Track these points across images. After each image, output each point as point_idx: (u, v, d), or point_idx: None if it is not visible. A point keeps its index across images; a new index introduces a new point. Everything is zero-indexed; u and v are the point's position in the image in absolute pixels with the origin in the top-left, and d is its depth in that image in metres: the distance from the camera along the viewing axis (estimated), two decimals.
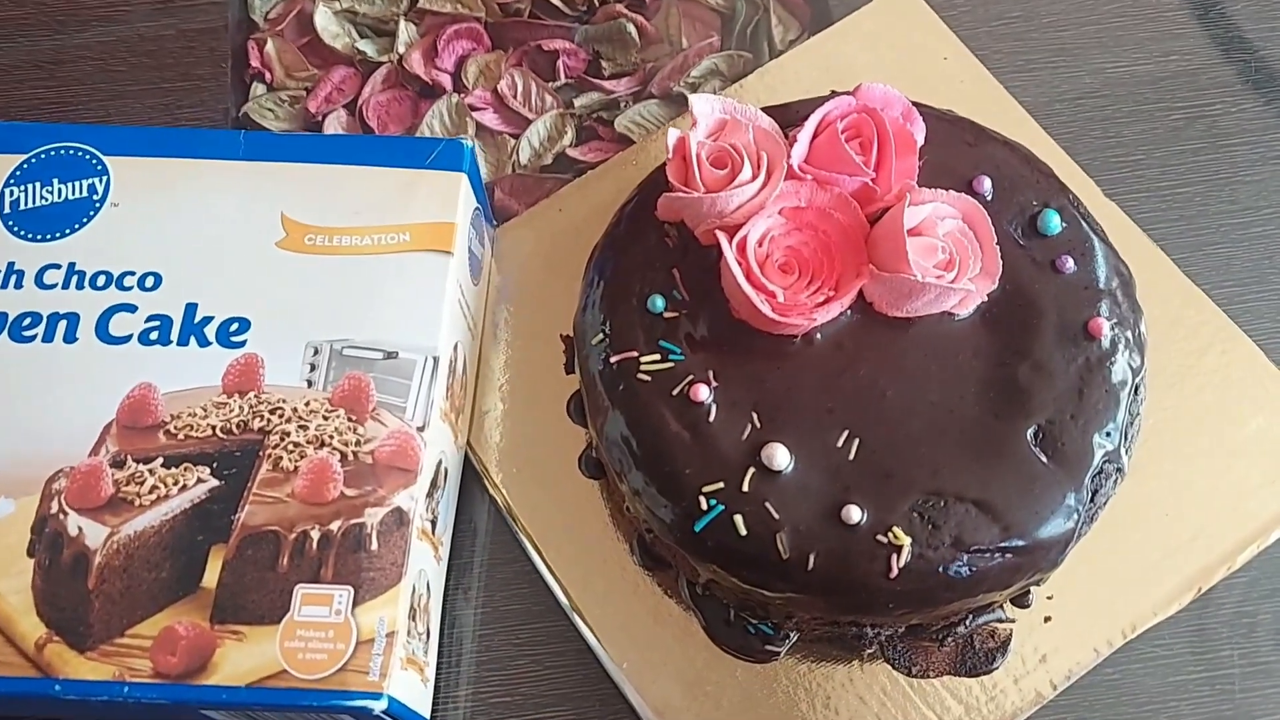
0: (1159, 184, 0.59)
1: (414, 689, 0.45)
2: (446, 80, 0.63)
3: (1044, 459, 0.44)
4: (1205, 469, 0.51)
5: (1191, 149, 0.60)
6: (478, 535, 0.53)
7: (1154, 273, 0.55)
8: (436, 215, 0.49)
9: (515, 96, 0.63)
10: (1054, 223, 0.48)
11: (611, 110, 0.63)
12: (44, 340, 0.46)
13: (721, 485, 0.44)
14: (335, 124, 0.62)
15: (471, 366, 0.53)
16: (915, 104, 0.49)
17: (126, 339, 0.47)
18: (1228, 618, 0.50)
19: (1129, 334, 0.47)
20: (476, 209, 0.52)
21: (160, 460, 0.45)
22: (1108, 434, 0.45)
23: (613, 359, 0.47)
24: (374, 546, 0.43)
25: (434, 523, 0.47)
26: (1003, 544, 0.43)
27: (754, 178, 0.47)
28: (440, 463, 0.48)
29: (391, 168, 0.49)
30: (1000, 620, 0.49)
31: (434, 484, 0.47)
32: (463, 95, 0.63)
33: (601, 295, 0.48)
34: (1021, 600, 0.49)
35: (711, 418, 0.45)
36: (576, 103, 0.63)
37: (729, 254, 0.46)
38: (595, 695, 0.49)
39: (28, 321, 0.47)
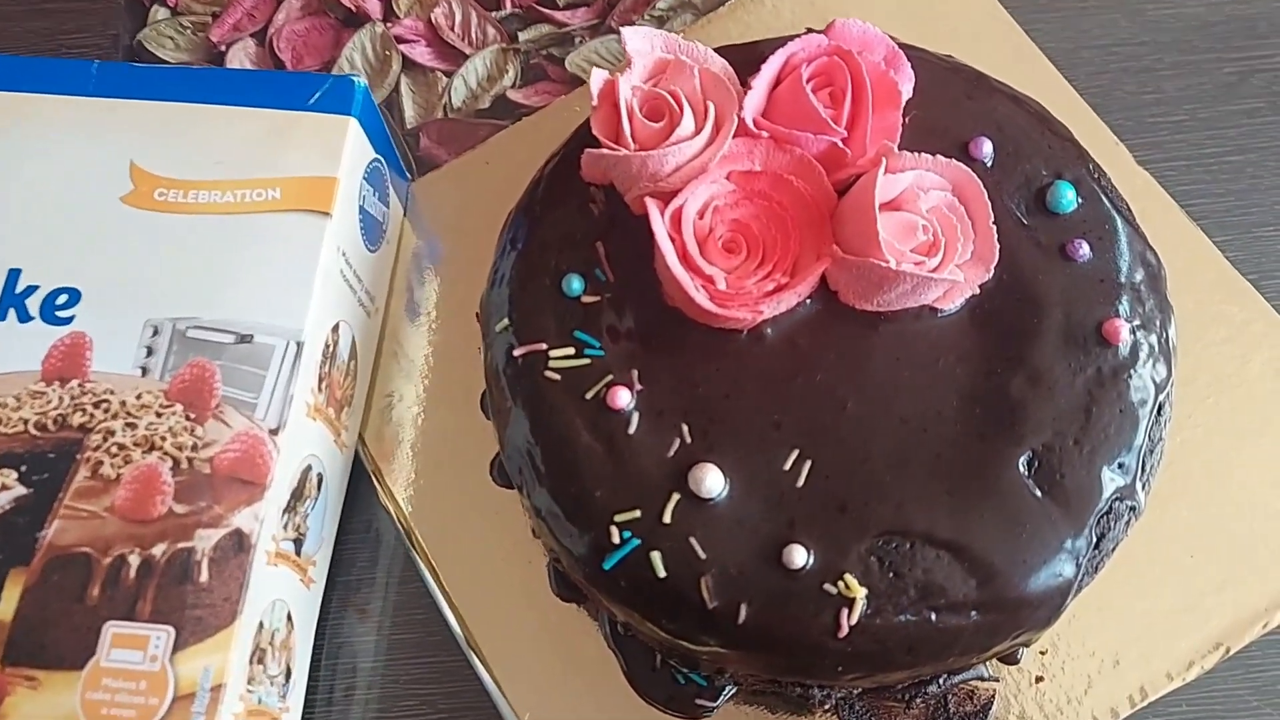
0: (1204, 151, 0.50)
1: None
2: (375, 7, 0.55)
3: (1038, 493, 0.36)
4: (1242, 504, 0.42)
5: (1245, 109, 0.50)
6: (381, 544, 0.45)
7: (1192, 259, 0.46)
8: (315, 168, 0.40)
9: (452, 28, 0.54)
10: (1067, 198, 0.39)
11: (563, 46, 0.54)
12: None
13: (638, 514, 0.36)
14: (240, 56, 0.53)
15: (367, 350, 0.44)
16: (904, 46, 0.40)
17: None
18: (1261, 684, 0.41)
19: (1154, 339, 0.38)
20: (375, 161, 0.44)
21: None
22: (1120, 465, 0.36)
23: (517, 351, 0.38)
24: (203, 578, 0.35)
25: (298, 542, 0.39)
26: (980, 599, 0.35)
27: (696, 133, 0.38)
28: (309, 469, 0.40)
29: (264, 109, 0.41)
30: (981, 679, 0.41)
31: (298, 495, 0.39)
32: (390, 24, 0.54)
33: (510, 272, 0.40)
34: (1009, 655, 0.40)
35: (632, 429, 0.37)
36: (522, 36, 0.54)
37: (659, 227, 0.37)
38: None
39: None
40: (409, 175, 0.49)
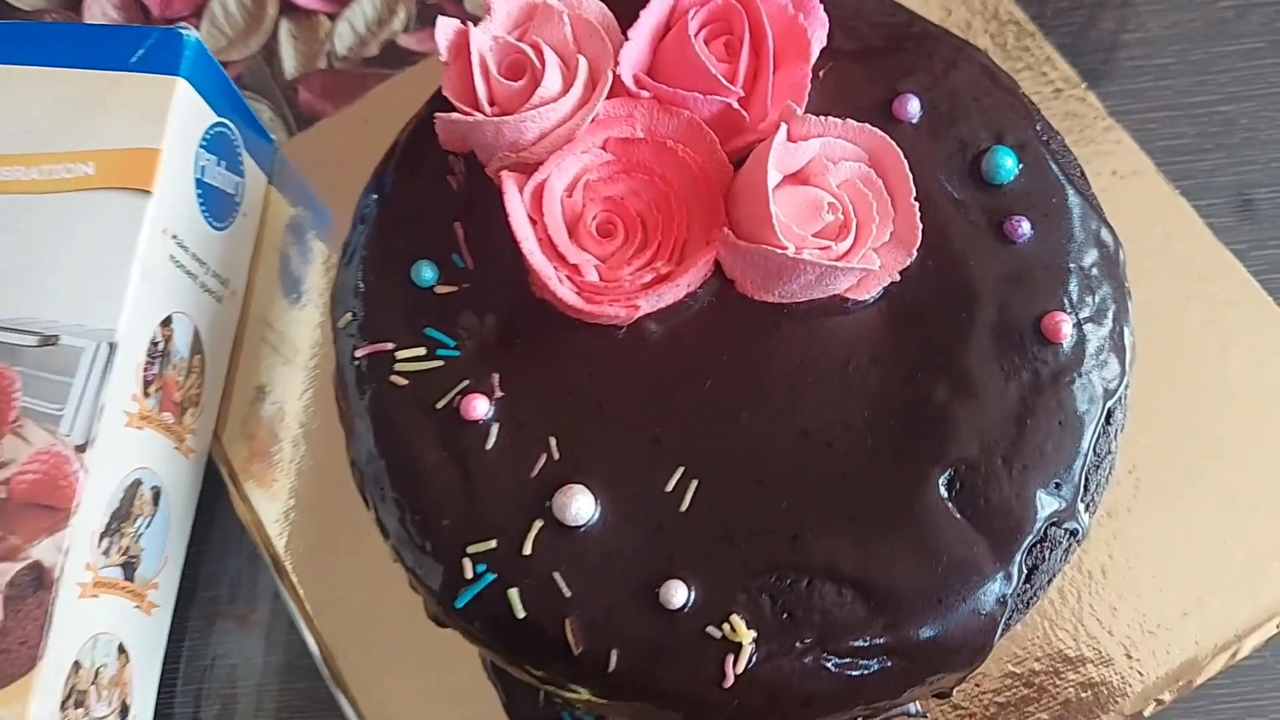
0: (1191, 99, 0.44)
1: None
2: None
3: (958, 518, 0.31)
4: (1209, 520, 0.37)
5: (1241, 50, 0.44)
6: (258, 552, 0.41)
7: (1169, 227, 0.40)
8: (135, 139, 0.35)
9: None
10: (1006, 166, 0.33)
11: None
12: None
13: (494, 545, 0.31)
14: (101, 4, 0.48)
15: (218, 343, 0.39)
16: None
17: None
18: (1228, 718, 0.36)
19: (1104, 333, 0.32)
20: (219, 125, 0.38)
21: None
22: (1057, 485, 0.31)
23: (358, 351, 0.33)
24: None
25: (130, 566, 0.35)
26: (889, 643, 0.30)
27: (563, 93, 0.32)
28: (139, 484, 0.35)
29: (78, 69, 0.35)
30: (908, 715, 0.36)
31: (123, 516, 0.34)
32: None
33: (356, 256, 0.35)
34: (941, 692, 0.36)
35: (489, 444, 0.32)
36: None
37: (515, 207, 0.31)
38: None
39: None
40: (277, 136, 0.44)
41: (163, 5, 0.48)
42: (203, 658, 0.40)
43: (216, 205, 0.38)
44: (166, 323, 0.36)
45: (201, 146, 0.37)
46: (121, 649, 0.35)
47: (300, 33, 0.47)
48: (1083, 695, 0.36)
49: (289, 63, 0.47)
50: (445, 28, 0.32)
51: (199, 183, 0.37)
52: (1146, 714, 0.36)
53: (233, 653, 0.40)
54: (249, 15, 0.47)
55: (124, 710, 0.35)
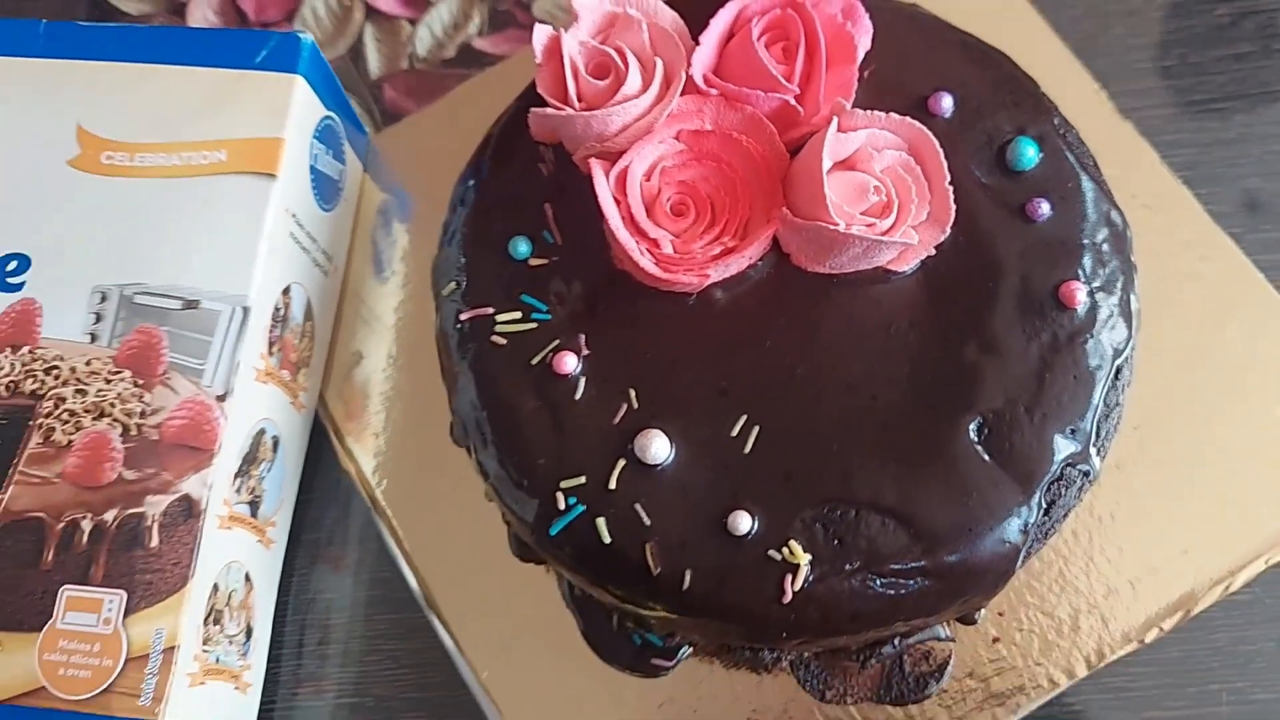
0: (1192, 98, 0.48)
1: (222, 703, 0.38)
2: None
3: (986, 459, 0.35)
4: (1207, 469, 0.41)
5: (1236, 55, 0.48)
6: (351, 502, 0.45)
7: (1170, 213, 0.45)
8: (261, 129, 0.40)
9: None
10: (1028, 155, 0.38)
11: None
12: None
13: (583, 480, 0.36)
14: (203, 9, 0.53)
15: (325, 311, 0.44)
16: None
17: None
18: (1219, 646, 0.41)
19: (1114, 301, 0.37)
20: (327, 118, 0.43)
21: None
22: (1072, 431, 0.36)
23: (463, 315, 0.38)
24: (154, 543, 0.36)
25: (254, 505, 0.40)
26: (925, 566, 0.35)
27: (643, 91, 0.37)
28: (263, 433, 0.40)
29: (209, 68, 0.40)
30: (937, 639, 0.41)
31: (252, 460, 0.39)
32: None
33: (458, 234, 0.39)
34: (966, 617, 0.40)
35: (578, 395, 0.37)
36: None
37: (603, 190, 0.36)
38: (457, 703, 0.42)
39: None
40: (368, 129, 0.48)
41: (258, 10, 0.53)
42: (306, 593, 0.44)
43: (325, 189, 0.43)
44: (286, 291, 0.41)
45: (314, 137, 0.42)
46: (247, 578, 0.40)
47: (383, 36, 0.52)
48: (1093, 623, 0.40)
49: (374, 63, 0.52)
50: (540, 34, 0.37)
51: (312, 169, 0.42)
52: (1149, 639, 0.40)
53: (328, 590, 0.45)
54: (337, 20, 0.52)
55: (248, 632, 0.40)
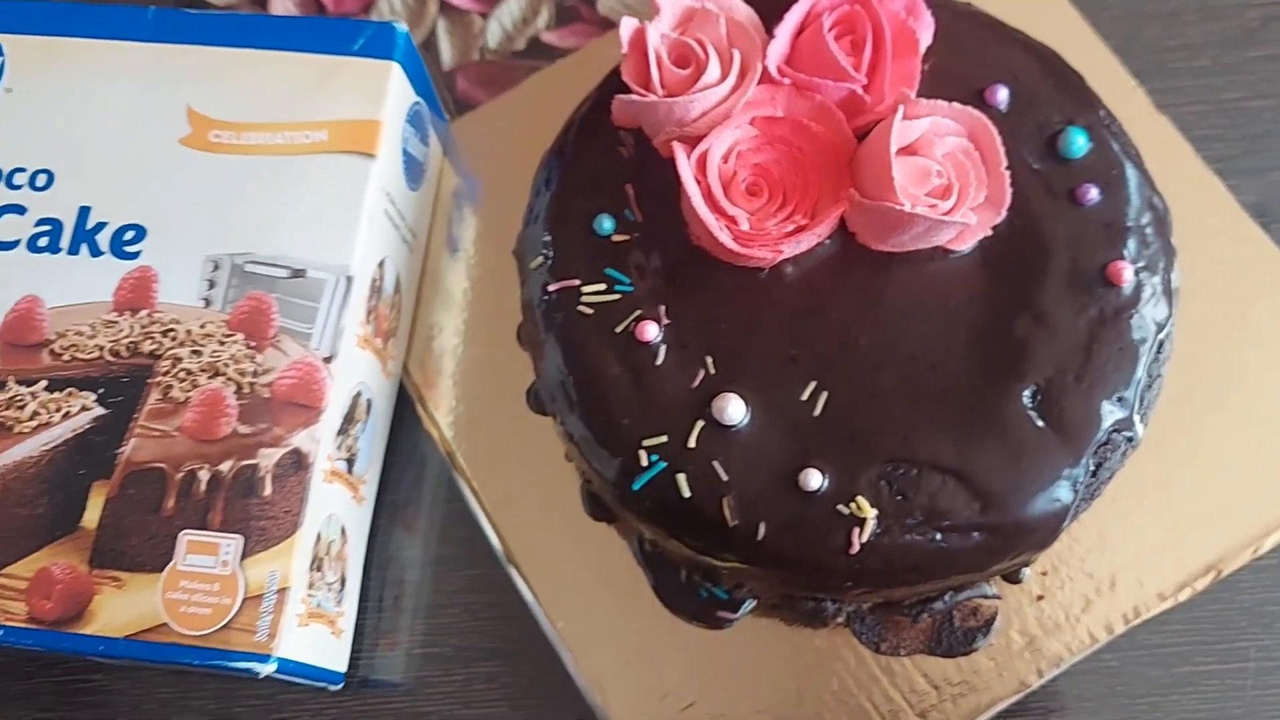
0: (1223, 95, 0.51)
1: (320, 645, 0.41)
2: None
3: (1039, 424, 0.38)
4: (1237, 440, 0.44)
5: (1267, 55, 0.51)
6: (425, 467, 0.48)
7: (1202, 202, 0.47)
8: (360, 111, 0.43)
9: None
10: (1078, 144, 0.40)
11: None
12: None
13: (665, 439, 0.39)
14: (284, 1, 0.55)
15: (410, 285, 0.47)
16: None
17: (14, 245, 0.42)
18: (1247, 606, 0.44)
19: (1157, 280, 0.40)
20: (416, 104, 0.46)
21: (44, 383, 0.40)
22: (1119, 399, 0.38)
23: (551, 287, 0.41)
24: (267, 492, 0.39)
25: (350, 462, 0.42)
26: (981, 522, 0.38)
27: (721, 79, 0.40)
28: (359, 395, 0.43)
29: (311, 54, 0.43)
30: (985, 596, 0.43)
31: (350, 419, 0.42)
32: None
33: (543, 212, 0.42)
34: (1012, 575, 0.43)
35: (659, 361, 0.39)
36: None
37: (685, 170, 0.39)
38: (530, 654, 0.45)
39: None
40: (447, 116, 0.51)
41: (337, 2, 0.56)
42: (386, 550, 0.47)
43: (413, 170, 0.46)
44: (380, 264, 0.43)
45: (406, 120, 0.45)
46: (343, 530, 0.42)
47: (455, 29, 0.55)
48: (1129, 582, 0.43)
49: (446, 54, 0.54)
50: (627, 26, 0.40)
51: (404, 151, 0.45)
52: (1183, 598, 0.43)
53: (404, 549, 0.47)
54: (411, 13, 0.55)
55: (342, 582, 0.43)
